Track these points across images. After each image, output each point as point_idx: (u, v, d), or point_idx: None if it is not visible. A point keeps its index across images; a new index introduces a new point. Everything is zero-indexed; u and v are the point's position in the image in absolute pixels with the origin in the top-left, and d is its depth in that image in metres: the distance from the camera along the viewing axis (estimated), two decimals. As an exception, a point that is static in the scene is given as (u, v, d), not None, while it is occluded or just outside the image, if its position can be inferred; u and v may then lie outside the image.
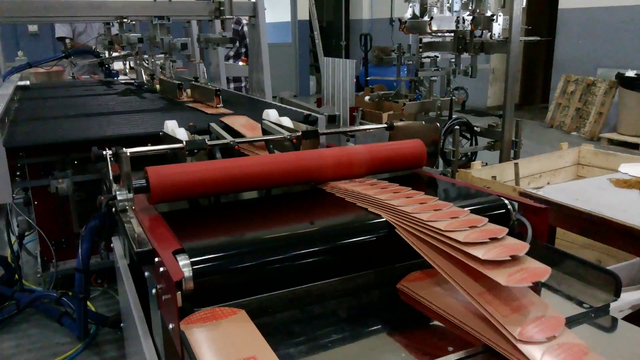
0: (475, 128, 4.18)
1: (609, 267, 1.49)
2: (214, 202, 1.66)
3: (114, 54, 4.82)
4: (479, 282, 1.08)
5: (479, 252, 1.07)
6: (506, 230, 1.17)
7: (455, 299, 1.16)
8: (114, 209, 1.53)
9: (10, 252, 2.99)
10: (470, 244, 1.11)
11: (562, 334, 1.00)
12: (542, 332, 0.98)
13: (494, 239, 1.13)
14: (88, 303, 2.56)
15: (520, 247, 1.11)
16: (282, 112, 2.35)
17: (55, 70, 5.35)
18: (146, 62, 4.29)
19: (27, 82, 4.52)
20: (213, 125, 2.32)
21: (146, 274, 1.32)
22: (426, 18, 4.13)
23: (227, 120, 2.53)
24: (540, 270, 1.06)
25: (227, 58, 5.61)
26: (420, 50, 4.42)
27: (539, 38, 4.74)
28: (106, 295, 2.99)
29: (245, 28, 5.87)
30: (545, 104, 9.00)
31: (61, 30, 5.71)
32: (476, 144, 4.19)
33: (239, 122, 2.48)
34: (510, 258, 1.07)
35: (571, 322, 1.04)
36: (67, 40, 5.49)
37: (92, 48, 5.15)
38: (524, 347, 0.96)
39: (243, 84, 5.84)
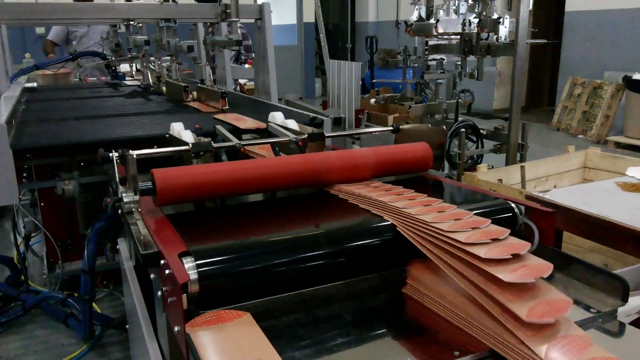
0: (481, 131, 4.17)
1: (616, 272, 1.48)
2: (220, 205, 1.66)
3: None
4: (483, 275, 1.07)
5: (481, 252, 1.08)
6: (508, 231, 1.18)
7: (462, 295, 1.15)
8: (120, 211, 1.54)
9: (16, 253, 3.00)
10: (472, 244, 1.12)
11: (568, 327, 0.99)
12: (569, 353, 0.95)
13: (495, 240, 1.14)
14: (93, 304, 2.57)
15: (521, 245, 1.12)
16: (287, 115, 2.35)
17: (62, 72, 5.37)
18: (152, 64, 4.30)
19: (34, 84, 4.54)
20: (219, 127, 2.33)
21: (152, 276, 1.32)
22: (432, 21, 4.13)
23: (220, 116, 2.84)
24: (542, 267, 1.06)
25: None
26: (426, 52, 4.42)
27: (545, 41, 4.72)
28: (112, 297, 3.00)
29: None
30: (551, 106, 8.97)
31: (53, 34, 5.78)
32: (482, 146, 4.19)
33: (231, 117, 2.83)
34: (511, 257, 1.08)
35: (579, 326, 1.03)
36: (56, 49, 5.54)
37: (101, 50, 5.18)
38: (529, 342, 0.95)
39: None
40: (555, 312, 1.00)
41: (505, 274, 1.03)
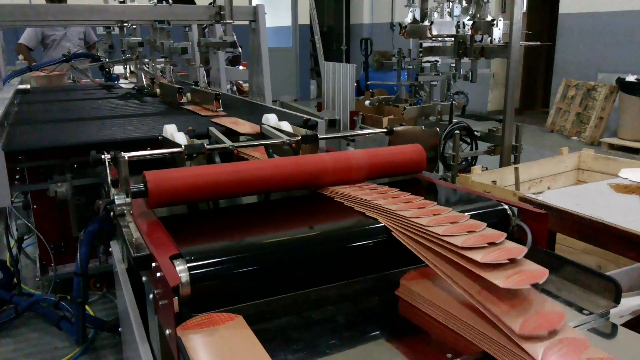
0: (475, 133, 4.18)
1: (608, 273, 1.49)
2: (213, 207, 1.66)
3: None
4: (478, 282, 1.08)
5: (477, 256, 1.08)
6: (504, 235, 1.17)
7: (455, 300, 1.15)
8: (112, 213, 1.53)
9: (9, 255, 2.98)
10: (469, 248, 1.11)
11: (563, 329, 1.00)
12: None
13: (492, 244, 1.13)
14: (86, 307, 2.55)
15: (518, 250, 1.11)
16: (281, 117, 2.35)
17: (56, 74, 5.35)
18: (146, 66, 4.29)
19: (28, 86, 4.51)
20: (212, 129, 2.32)
21: (143, 279, 1.31)
22: (426, 23, 4.14)
23: (217, 120, 2.70)
24: (538, 272, 1.06)
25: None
26: (421, 54, 4.43)
27: (539, 43, 4.75)
28: (105, 300, 2.98)
29: None
30: (545, 108, 9.00)
31: (26, 37, 5.71)
32: (476, 148, 4.20)
33: (228, 120, 2.68)
34: (508, 261, 1.07)
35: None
36: (20, 57, 5.47)
37: (69, 52, 5.10)
38: (525, 344, 0.95)
39: None
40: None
41: (501, 280, 1.03)
